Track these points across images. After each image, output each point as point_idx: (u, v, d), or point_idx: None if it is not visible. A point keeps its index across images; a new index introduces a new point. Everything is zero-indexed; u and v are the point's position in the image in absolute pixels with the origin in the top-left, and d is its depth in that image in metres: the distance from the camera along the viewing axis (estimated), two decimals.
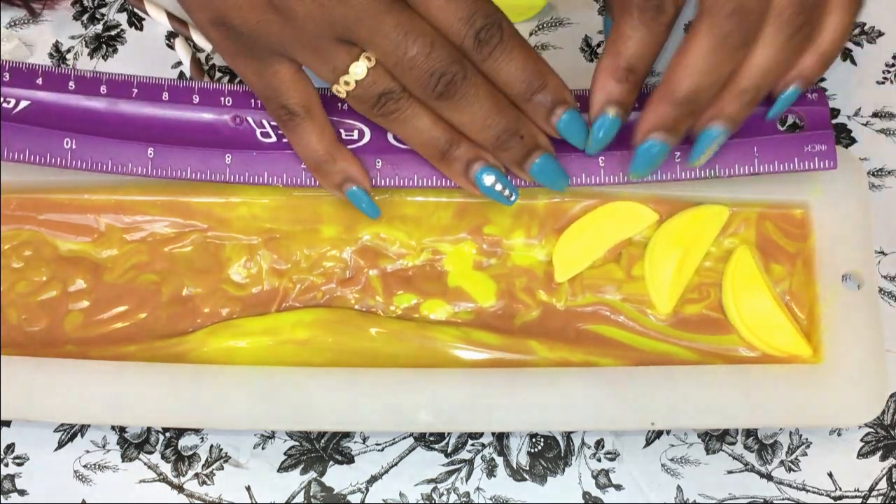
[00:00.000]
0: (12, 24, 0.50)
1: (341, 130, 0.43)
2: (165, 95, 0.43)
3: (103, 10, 0.51)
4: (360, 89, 0.38)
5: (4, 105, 0.42)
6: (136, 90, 0.43)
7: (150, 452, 0.44)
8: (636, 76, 0.39)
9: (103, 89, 0.43)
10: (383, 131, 0.43)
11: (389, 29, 0.36)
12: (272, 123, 0.43)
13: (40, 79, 0.42)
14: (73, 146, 0.42)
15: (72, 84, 0.42)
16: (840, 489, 0.44)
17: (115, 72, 0.43)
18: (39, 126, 0.42)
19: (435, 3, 0.37)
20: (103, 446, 0.44)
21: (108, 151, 0.42)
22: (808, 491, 0.44)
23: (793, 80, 0.40)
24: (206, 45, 0.50)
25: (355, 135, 0.43)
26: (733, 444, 0.44)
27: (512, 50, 0.38)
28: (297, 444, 0.44)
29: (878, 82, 0.49)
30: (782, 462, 0.44)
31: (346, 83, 0.38)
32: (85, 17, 0.51)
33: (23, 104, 0.42)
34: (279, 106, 0.40)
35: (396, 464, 0.44)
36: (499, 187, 0.41)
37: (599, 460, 0.44)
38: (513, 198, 0.41)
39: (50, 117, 0.42)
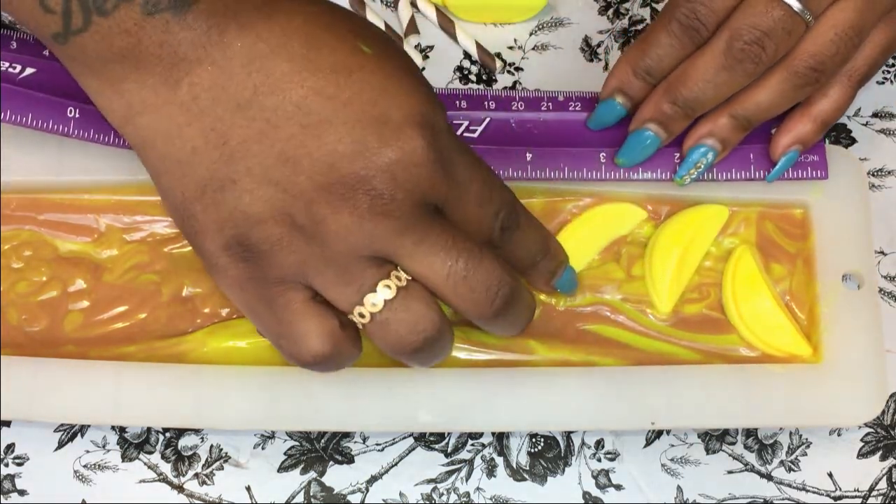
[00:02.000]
0: (12, 23, 0.50)
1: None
2: None
3: None
4: (389, 312, 0.35)
5: (10, 70, 0.42)
6: None
7: (150, 452, 0.44)
8: (652, 78, 0.42)
9: None
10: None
11: (436, 238, 0.35)
12: None
13: (47, 49, 0.42)
14: (77, 115, 0.42)
15: None
16: (840, 489, 0.44)
17: None
18: (44, 93, 0.41)
19: (471, 206, 0.36)
20: (103, 446, 0.44)
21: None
22: (807, 491, 0.44)
23: (793, 144, 0.43)
24: None
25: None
26: (733, 444, 0.44)
27: (526, 229, 0.39)
28: (297, 444, 0.44)
29: (878, 82, 0.49)
30: (782, 462, 0.44)
31: (374, 304, 0.35)
32: None
33: (29, 70, 0.42)
34: (289, 348, 0.36)
35: (396, 464, 0.44)
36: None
37: (599, 460, 0.44)
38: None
39: (56, 86, 0.42)
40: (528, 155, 0.44)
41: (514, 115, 0.44)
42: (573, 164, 0.44)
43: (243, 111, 0.33)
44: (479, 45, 0.49)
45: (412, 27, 0.50)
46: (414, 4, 0.50)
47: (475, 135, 0.44)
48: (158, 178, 0.35)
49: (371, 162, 0.33)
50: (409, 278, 0.35)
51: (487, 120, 0.44)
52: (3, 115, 0.41)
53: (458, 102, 0.44)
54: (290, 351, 0.36)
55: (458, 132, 0.44)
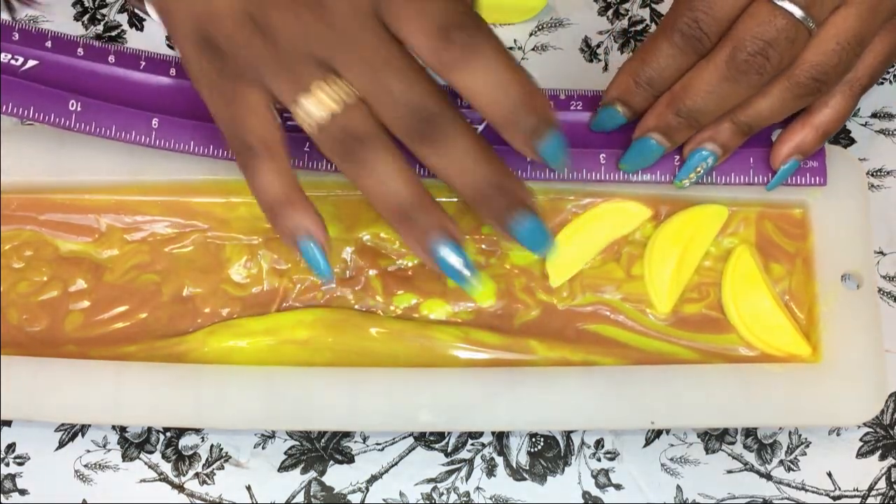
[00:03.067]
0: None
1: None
2: (172, 71, 0.43)
3: (104, 11, 0.51)
4: (332, 123, 0.35)
5: (12, 62, 0.42)
6: (143, 63, 0.43)
7: (151, 452, 0.44)
8: (653, 90, 0.41)
9: (111, 59, 0.43)
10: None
11: (373, 53, 0.35)
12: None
13: (49, 42, 0.42)
14: (79, 108, 0.42)
15: (80, 51, 0.43)
16: (839, 489, 0.44)
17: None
18: (46, 86, 0.42)
19: (418, 20, 0.34)
20: (104, 446, 0.44)
21: (113, 117, 0.42)
22: (807, 490, 0.44)
23: (793, 154, 0.43)
24: None
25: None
26: (733, 443, 0.45)
27: (489, 60, 0.35)
28: (297, 443, 0.44)
29: (877, 83, 0.49)
30: (782, 462, 0.44)
31: (319, 103, 0.35)
32: (86, 18, 0.51)
33: (31, 63, 0.42)
34: (239, 140, 0.37)
35: (396, 463, 0.44)
36: (457, 264, 0.37)
37: (599, 460, 0.44)
38: (474, 281, 0.37)
39: (58, 79, 0.42)
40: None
41: None
42: (574, 165, 0.44)
43: None
44: None
45: None
46: None
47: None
48: None
49: None
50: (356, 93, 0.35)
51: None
52: (4, 107, 0.41)
53: (457, 101, 0.44)
54: (237, 145, 0.37)
55: None
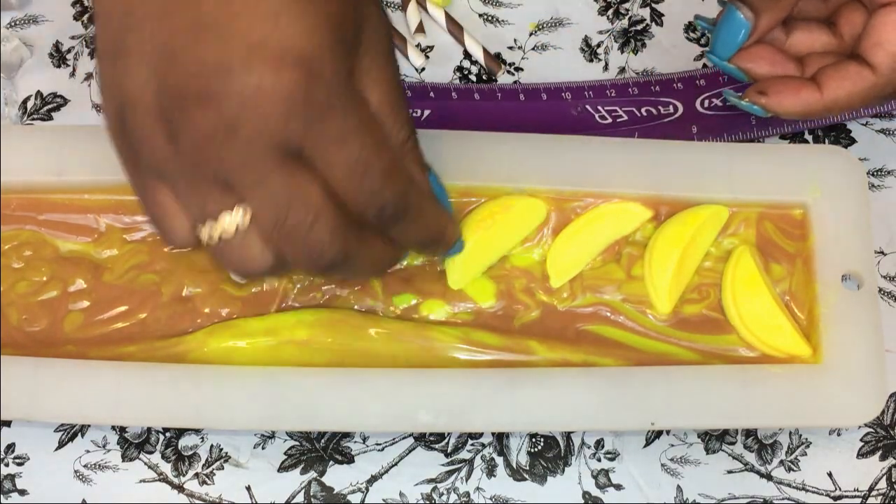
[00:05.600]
0: (12, 24, 0.50)
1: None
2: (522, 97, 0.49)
3: None
4: (224, 245, 0.34)
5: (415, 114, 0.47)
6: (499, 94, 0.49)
7: (151, 452, 0.44)
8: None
9: (476, 96, 0.49)
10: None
11: (276, 186, 0.32)
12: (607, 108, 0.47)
13: (431, 92, 0.49)
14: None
15: (454, 94, 0.49)
16: (840, 489, 0.44)
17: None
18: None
19: (337, 170, 0.33)
20: (103, 446, 0.44)
21: None
22: (807, 491, 0.44)
23: (789, 112, 0.43)
24: None
25: (671, 109, 0.49)
26: (733, 443, 0.44)
27: (415, 220, 0.36)
28: (297, 443, 0.44)
29: None
30: (782, 462, 0.44)
31: (210, 234, 0.34)
32: (85, 18, 0.51)
33: (426, 112, 0.49)
34: (155, 226, 0.36)
35: (396, 463, 0.44)
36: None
37: (599, 460, 0.44)
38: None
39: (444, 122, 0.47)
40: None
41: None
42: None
43: None
44: (485, 51, 0.50)
45: (420, 30, 0.50)
46: (423, 7, 0.50)
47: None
48: (95, 23, 0.35)
49: (228, 81, 0.31)
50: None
51: None
52: None
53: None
54: (164, 238, 0.36)
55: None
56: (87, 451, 0.44)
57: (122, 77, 0.33)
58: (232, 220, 0.33)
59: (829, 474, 0.44)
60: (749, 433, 0.45)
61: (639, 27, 0.51)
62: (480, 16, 0.51)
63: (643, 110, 0.49)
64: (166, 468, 0.44)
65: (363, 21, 0.34)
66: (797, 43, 0.45)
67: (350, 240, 0.35)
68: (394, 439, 0.44)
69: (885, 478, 0.44)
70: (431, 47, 0.50)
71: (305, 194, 0.33)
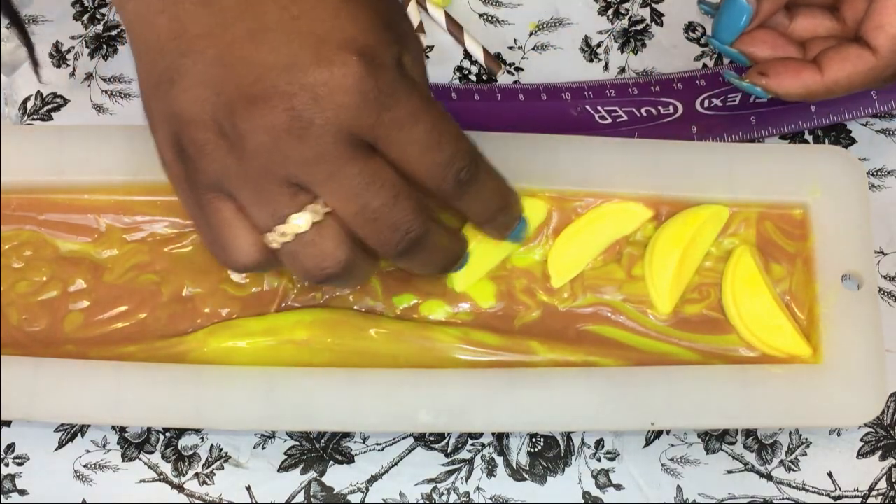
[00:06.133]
0: (13, 24, 0.50)
1: (657, 108, 0.48)
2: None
3: (103, 10, 0.51)
4: (298, 245, 0.34)
5: None
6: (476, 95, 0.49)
7: (151, 452, 0.44)
8: None
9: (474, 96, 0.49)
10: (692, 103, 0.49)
11: (352, 174, 0.33)
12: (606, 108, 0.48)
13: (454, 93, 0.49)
14: None
15: (453, 95, 0.49)
16: (840, 489, 0.44)
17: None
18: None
19: (411, 149, 0.34)
20: (103, 446, 0.44)
21: None
22: (807, 491, 0.44)
23: (790, 92, 0.44)
24: None
25: (671, 109, 0.48)
26: (733, 443, 0.44)
27: (486, 183, 0.37)
28: (297, 443, 0.44)
29: None
30: (782, 462, 0.44)
31: (283, 234, 0.34)
32: (85, 18, 0.51)
33: None
34: (215, 249, 0.36)
35: (396, 463, 0.44)
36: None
37: (599, 460, 0.44)
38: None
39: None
40: (812, 108, 0.48)
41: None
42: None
43: (206, 5, 0.33)
44: (485, 51, 0.50)
45: (420, 30, 0.50)
46: (423, 7, 0.50)
47: (765, 99, 0.46)
48: (136, 62, 0.35)
49: (296, 78, 0.32)
50: (327, 210, 0.34)
51: None
52: None
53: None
54: (222, 259, 0.36)
55: (750, 101, 0.49)
56: (87, 451, 0.44)
57: (175, 102, 0.33)
58: (306, 218, 0.34)
59: (829, 474, 0.44)
60: (749, 433, 0.45)
61: (639, 27, 0.51)
62: (480, 16, 0.51)
63: (643, 110, 0.49)
64: (166, 468, 0.44)
65: (402, 20, 0.35)
66: (800, 28, 0.45)
67: (431, 218, 0.36)
68: (394, 439, 0.44)
69: (885, 478, 0.44)
70: (431, 47, 0.50)
71: (383, 177, 0.34)
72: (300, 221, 0.34)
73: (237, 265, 0.36)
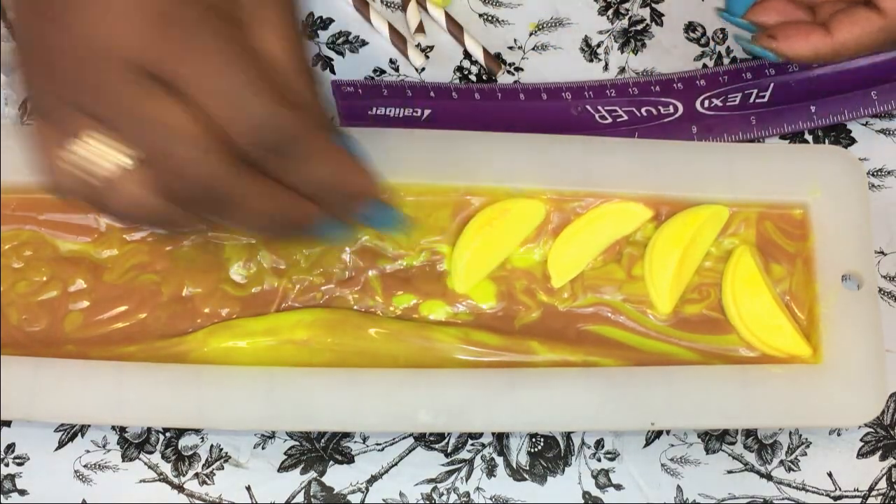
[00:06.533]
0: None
1: (657, 108, 0.48)
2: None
3: None
4: (107, 190, 0.32)
5: (413, 114, 0.48)
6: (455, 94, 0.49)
7: (151, 452, 0.44)
8: None
9: (454, 95, 0.49)
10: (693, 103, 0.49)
11: (143, 112, 0.30)
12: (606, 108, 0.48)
13: (432, 92, 0.49)
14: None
15: (454, 94, 0.49)
16: (840, 489, 0.44)
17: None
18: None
19: (208, 99, 0.30)
20: (103, 446, 0.44)
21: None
22: (807, 491, 0.44)
23: (799, 55, 0.44)
24: None
25: (671, 109, 0.48)
26: (733, 443, 0.44)
27: (309, 159, 0.33)
28: (297, 443, 0.44)
29: None
30: (782, 462, 0.44)
31: (73, 152, 0.32)
32: None
33: (427, 112, 0.49)
34: None
35: (396, 463, 0.44)
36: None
37: (599, 460, 0.44)
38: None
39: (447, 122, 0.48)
40: (811, 108, 0.48)
41: (791, 76, 0.49)
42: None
43: None
44: (485, 51, 0.50)
45: (420, 30, 0.50)
46: (423, 7, 0.50)
47: (765, 99, 0.48)
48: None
49: (83, 3, 0.30)
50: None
51: (771, 85, 0.49)
52: None
53: (744, 74, 0.49)
54: (48, 184, 0.34)
55: (750, 101, 0.49)
56: (87, 451, 0.44)
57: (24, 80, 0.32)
58: (107, 155, 0.31)
59: (829, 474, 0.44)
60: (749, 433, 0.45)
61: (639, 27, 0.51)
62: (480, 16, 0.51)
63: (643, 110, 0.49)
64: (166, 468, 0.44)
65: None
66: None
67: (239, 173, 0.32)
68: (394, 439, 0.44)
69: (885, 478, 0.44)
70: (431, 47, 0.50)
71: (178, 122, 0.30)
72: (99, 153, 0.32)
73: (58, 189, 0.34)
